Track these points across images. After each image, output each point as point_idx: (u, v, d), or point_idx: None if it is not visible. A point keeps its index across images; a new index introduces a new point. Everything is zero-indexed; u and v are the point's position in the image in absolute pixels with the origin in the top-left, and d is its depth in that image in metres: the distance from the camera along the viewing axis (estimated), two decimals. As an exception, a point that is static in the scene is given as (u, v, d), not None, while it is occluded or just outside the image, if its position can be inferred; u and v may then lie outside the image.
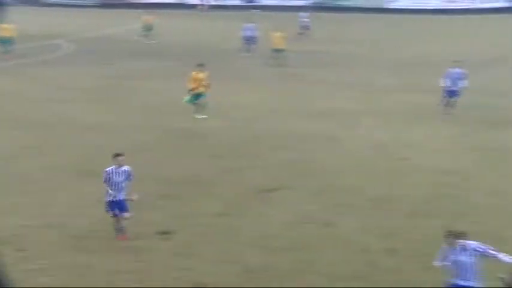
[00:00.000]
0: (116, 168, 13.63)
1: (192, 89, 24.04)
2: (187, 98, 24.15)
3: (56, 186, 16.85)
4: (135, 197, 13.72)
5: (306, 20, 50.45)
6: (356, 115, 24.82)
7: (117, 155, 13.71)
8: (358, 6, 67.91)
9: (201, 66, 24.23)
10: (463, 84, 24.83)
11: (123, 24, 55.19)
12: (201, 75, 24.09)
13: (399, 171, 18.59)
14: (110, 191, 13.55)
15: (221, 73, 28.38)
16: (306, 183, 17.43)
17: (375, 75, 33.53)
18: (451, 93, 24.88)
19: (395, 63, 37.48)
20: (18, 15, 46.22)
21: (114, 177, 13.60)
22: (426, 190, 17.05)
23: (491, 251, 10.26)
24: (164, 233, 13.99)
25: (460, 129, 22.92)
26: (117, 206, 13.55)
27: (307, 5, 69.27)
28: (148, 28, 45.87)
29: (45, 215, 14.85)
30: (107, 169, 13.65)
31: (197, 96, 24.11)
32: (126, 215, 13.63)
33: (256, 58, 37.94)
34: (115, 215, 13.60)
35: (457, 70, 25.08)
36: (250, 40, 40.04)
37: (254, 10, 66.39)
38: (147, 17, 46.68)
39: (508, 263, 10.11)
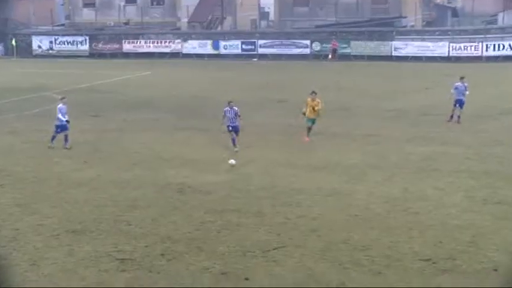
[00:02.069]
0: (229, 109, 26.79)
1: (304, 113, 28.74)
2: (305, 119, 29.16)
3: (46, 245, 16.81)
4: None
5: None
6: (362, 168, 24.92)
7: (230, 102, 27.11)
8: (363, 54, 69.03)
9: (314, 93, 28.58)
10: (466, 94, 33.53)
11: (113, 75, 55.82)
12: (314, 102, 28.44)
13: (410, 226, 18.57)
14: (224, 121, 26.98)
15: (217, 126, 28.51)
16: (313, 241, 17.42)
17: (380, 125, 33.77)
18: (459, 102, 33.43)
19: (400, 113, 37.75)
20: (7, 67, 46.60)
21: (227, 114, 26.88)
22: (441, 246, 17.04)
23: None
24: (164, 295, 13.96)
25: (475, 182, 22.98)
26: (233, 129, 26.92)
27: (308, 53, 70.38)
28: None
29: (36, 276, 14.77)
30: (224, 108, 26.96)
31: (310, 121, 28.96)
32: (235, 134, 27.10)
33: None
34: (229, 131, 27.02)
35: (462, 84, 33.75)
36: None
37: (253, 59, 67.24)
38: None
39: None
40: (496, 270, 15.45)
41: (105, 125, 34.06)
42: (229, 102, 27.14)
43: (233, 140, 27.03)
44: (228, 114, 26.95)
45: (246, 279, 14.84)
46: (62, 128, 28.36)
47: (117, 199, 20.91)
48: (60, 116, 28.28)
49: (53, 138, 28.47)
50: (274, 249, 16.74)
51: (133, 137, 30.87)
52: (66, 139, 28.46)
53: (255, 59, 71.15)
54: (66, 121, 28.32)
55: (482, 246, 17.05)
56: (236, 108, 26.96)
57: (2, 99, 42.94)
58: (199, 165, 24.56)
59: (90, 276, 14.79)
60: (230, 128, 27.00)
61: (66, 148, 28.15)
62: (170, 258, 15.95)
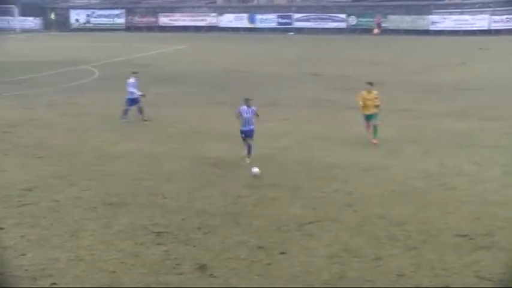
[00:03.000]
0: (247, 108, 21.49)
1: (360, 109, 24.30)
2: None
3: (84, 217, 16.99)
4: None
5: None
6: (398, 142, 24.71)
7: (248, 99, 21.60)
8: (400, 28, 68.30)
9: (370, 84, 24.08)
10: None
11: (149, 49, 55.95)
12: (370, 95, 24.02)
13: (447, 202, 18.40)
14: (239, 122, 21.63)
15: (254, 99, 28.39)
16: (349, 215, 17.35)
17: (416, 100, 33.45)
18: None
19: (436, 87, 37.33)
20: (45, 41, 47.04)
21: (244, 114, 21.43)
22: (479, 222, 16.86)
23: None
24: (201, 267, 13.98)
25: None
26: (247, 134, 21.66)
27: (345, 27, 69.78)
28: None
29: (75, 247, 14.95)
30: (240, 107, 21.61)
31: (368, 117, 24.27)
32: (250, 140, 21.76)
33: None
34: (243, 139, 21.78)
35: None
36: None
37: (289, 33, 66.89)
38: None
39: None
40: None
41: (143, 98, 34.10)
42: (246, 100, 21.78)
43: (248, 148, 21.97)
44: (244, 115, 21.68)
45: (282, 253, 14.83)
46: (133, 101, 28.67)
47: (153, 172, 21.02)
48: (132, 89, 28.52)
49: (126, 112, 28.77)
50: (309, 223, 16.70)
51: (169, 111, 30.96)
52: (140, 111, 28.84)
53: (291, 33, 70.85)
54: (141, 95, 28.54)
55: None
56: (254, 108, 21.92)
57: (40, 73, 43.43)
58: (234, 140, 24.51)
59: (127, 249, 14.90)
60: (244, 134, 21.89)
61: (146, 120, 28.57)
62: (206, 232, 15.99)
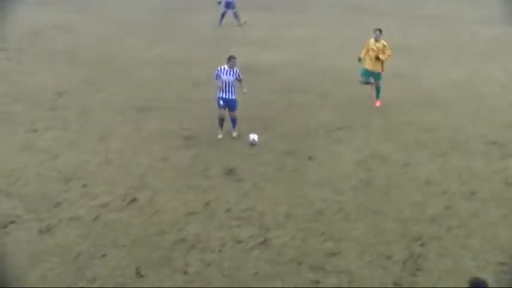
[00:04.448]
0: (227, 69, 15.56)
1: (360, 59, 18.30)
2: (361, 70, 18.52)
3: (114, 121, 16.97)
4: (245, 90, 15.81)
5: None
6: (429, 49, 24.25)
7: (231, 57, 15.57)
8: None
9: (378, 32, 18.13)
10: None
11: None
12: (377, 44, 18.06)
13: (477, 109, 18.11)
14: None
15: (279, 5, 27.92)
16: (378, 121, 17.16)
17: (444, 5, 32.61)
18: None
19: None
20: None
21: (222, 75, 15.55)
22: (508, 130, 16.58)
23: None
24: (230, 172, 13.97)
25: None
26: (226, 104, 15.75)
27: None
28: None
29: (104, 150, 14.99)
30: (217, 69, 15.67)
31: (368, 73, 18.27)
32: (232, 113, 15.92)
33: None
34: (220, 110, 15.74)
35: None
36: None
37: None
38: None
39: None
40: None
41: (169, 4, 33.72)
42: (229, 58, 15.64)
43: (232, 121, 16.03)
44: (223, 77, 15.62)
45: (310, 158, 14.76)
46: (228, 4, 28.69)
47: (182, 78, 20.86)
48: None
49: (222, 16, 28.91)
50: (338, 129, 16.55)
51: (198, 17, 30.54)
52: (235, 16, 28.82)
53: None
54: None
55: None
56: (237, 69, 15.72)
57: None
58: (264, 45, 24.19)
59: (156, 153, 14.89)
60: (221, 103, 15.73)
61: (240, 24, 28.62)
62: (235, 137, 15.93)
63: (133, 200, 12.67)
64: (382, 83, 18.32)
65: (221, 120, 15.82)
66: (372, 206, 12.59)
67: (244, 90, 15.79)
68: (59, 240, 11.16)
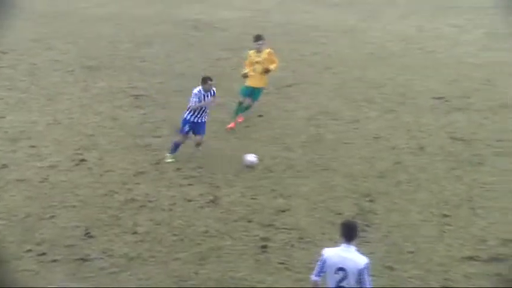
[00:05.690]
0: (203, 92, 12.61)
1: (245, 76, 14.46)
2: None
3: (62, 80, 16.62)
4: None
5: None
6: (378, 4, 24.18)
7: (208, 78, 12.68)
8: None
9: (260, 40, 14.43)
10: None
11: None
12: (261, 54, 14.33)
13: (426, 65, 18.17)
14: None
15: None
16: (327, 78, 17.14)
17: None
18: None
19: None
20: None
21: (202, 100, 12.61)
22: (456, 84, 16.73)
23: None
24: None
25: (498, 18, 22.10)
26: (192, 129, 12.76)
27: None
28: None
29: (53, 111, 14.67)
30: (195, 90, 12.61)
31: (248, 92, 14.39)
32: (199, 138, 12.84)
33: None
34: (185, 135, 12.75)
35: None
36: None
37: None
38: None
39: None
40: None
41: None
42: (204, 80, 12.69)
43: (196, 146, 13.03)
44: (202, 102, 12.72)
45: (260, 115, 14.68)
46: None
47: (134, 35, 20.46)
48: None
49: None
50: (288, 86, 16.48)
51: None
52: None
53: None
54: None
55: (498, 84, 16.73)
56: (213, 90, 12.81)
57: None
58: (214, 1, 23.84)
59: (105, 112, 14.65)
60: (187, 128, 12.73)
61: None
62: (185, 95, 15.70)
63: (82, 160, 12.48)
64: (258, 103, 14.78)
65: (177, 145, 12.75)
66: (321, 162, 12.62)
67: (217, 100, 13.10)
68: (5, 202, 10.95)
